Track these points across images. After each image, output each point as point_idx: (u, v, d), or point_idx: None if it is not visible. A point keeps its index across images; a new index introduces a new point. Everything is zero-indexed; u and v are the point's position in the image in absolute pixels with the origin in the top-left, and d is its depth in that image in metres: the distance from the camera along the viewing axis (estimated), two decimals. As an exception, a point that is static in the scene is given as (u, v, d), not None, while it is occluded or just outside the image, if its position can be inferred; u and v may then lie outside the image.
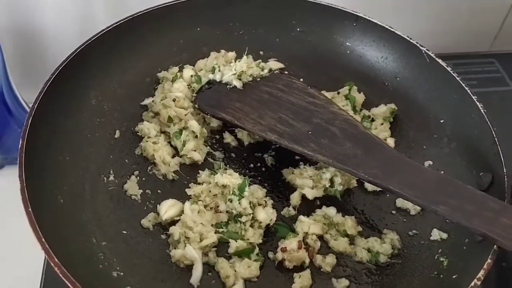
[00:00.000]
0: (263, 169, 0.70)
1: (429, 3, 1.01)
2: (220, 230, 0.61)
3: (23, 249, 0.62)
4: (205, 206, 0.62)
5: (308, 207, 0.66)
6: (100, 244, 0.59)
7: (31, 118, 0.60)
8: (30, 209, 0.52)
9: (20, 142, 0.57)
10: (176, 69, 0.78)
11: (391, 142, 0.73)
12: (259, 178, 0.69)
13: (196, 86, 0.75)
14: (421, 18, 1.03)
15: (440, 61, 0.73)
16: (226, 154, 0.72)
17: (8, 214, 0.65)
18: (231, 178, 0.63)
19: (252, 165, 0.71)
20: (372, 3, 0.95)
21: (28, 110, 0.84)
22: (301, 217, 0.63)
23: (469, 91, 0.69)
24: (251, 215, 0.61)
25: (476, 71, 1.05)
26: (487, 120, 0.65)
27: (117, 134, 0.71)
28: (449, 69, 0.72)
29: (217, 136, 0.74)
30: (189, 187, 0.65)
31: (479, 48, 1.10)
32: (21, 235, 0.53)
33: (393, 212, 0.67)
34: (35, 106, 0.61)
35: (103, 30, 0.73)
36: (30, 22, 0.91)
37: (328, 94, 0.77)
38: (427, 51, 0.75)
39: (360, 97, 0.77)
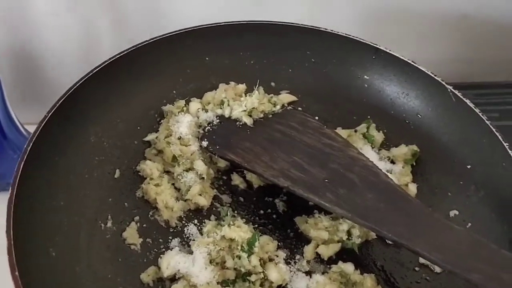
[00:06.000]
0: (274, 216, 0.65)
1: (446, 32, 0.97)
2: (227, 288, 0.56)
3: None
4: (210, 261, 0.57)
5: (323, 261, 0.61)
6: (94, 304, 0.54)
7: (22, 163, 0.55)
8: (16, 273, 0.46)
9: (10, 193, 0.52)
10: (182, 102, 0.73)
11: (413, 188, 0.67)
12: (270, 226, 0.64)
13: (204, 122, 0.70)
14: (439, 46, 0.98)
15: (468, 101, 0.68)
16: (234, 198, 0.66)
17: (2, 239, 0.60)
18: (239, 232, 0.57)
19: (262, 212, 0.65)
20: (391, 32, 0.91)
21: (25, 133, 0.80)
22: (316, 276, 0.58)
23: (499, 136, 0.64)
24: (262, 273, 0.56)
25: (497, 103, 0.99)
26: (520, 171, 0.60)
27: (117, 174, 0.66)
28: (477, 110, 0.67)
29: (225, 177, 0.68)
30: (193, 240, 0.60)
31: (496, 78, 1.05)
32: None
33: (416, 269, 0.61)
34: (28, 149, 0.56)
35: (106, 61, 0.68)
36: (30, 43, 0.87)
37: (344, 132, 0.72)
38: (453, 90, 0.69)
39: (379, 136, 0.72)
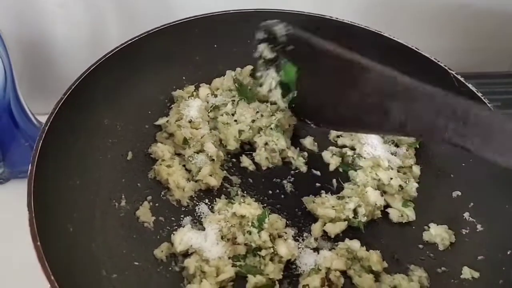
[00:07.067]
0: (282, 196, 0.67)
1: (447, 22, 0.98)
2: (238, 263, 0.58)
3: (27, 264, 0.56)
4: (221, 237, 0.59)
5: (330, 238, 0.63)
6: (110, 277, 0.56)
7: (41, 142, 0.57)
8: (38, 243, 0.48)
9: (29, 169, 0.54)
10: (192, 87, 0.75)
11: (416, 170, 0.69)
12: (278, 206, 0.66)
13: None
14: (440, 36, 0.99)
15: (470, 85, 0.69)
16: (243, 180, 0.68)
17: (13, 228, 0.60)
18: (250, 208, 0.59)
19: (270, 192, 0.67)
20: (392, 22, 0.92)
21: (36, 122, 0.82)
22: (324, 252, 0.60)
23: (501, 119, 0.65)
24: (271, 248, 0.58)
25: (499, 92, 1.01)
26: (522, 152, 0.61)
27: (130, 156, 0.68)
28: (479, 94, 0.68)
29: (234, 160, 0.70)
30: (205, 217, 0.62)
31: (499, 68, 1.06)
32: (26, 249, 0.50)
33: (420, 246, 0.63)
34: (45, 129, 0.58)
35: (116, 47, 0.70)
36: (40, 33, 0.88)
37: (349, 117, 0.74)
38: (455, 75, 0.71)
39: (383, 121, 0.74)
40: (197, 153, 0.68)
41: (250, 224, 0.58)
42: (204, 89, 0.75)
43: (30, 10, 0.85)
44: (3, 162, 0.81)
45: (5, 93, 0.75)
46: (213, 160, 0.67)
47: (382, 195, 0.65)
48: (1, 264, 0.72)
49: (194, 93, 0.74)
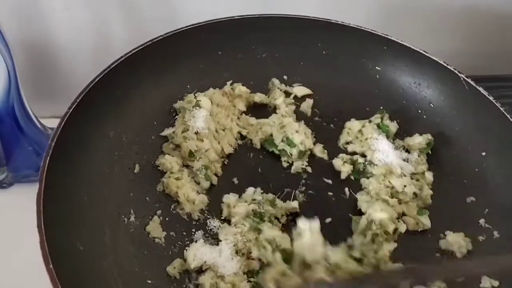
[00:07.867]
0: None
1: (456, 25, 0.97)
2: (252, 279, 0.56)
3: (31, 268, 0.53)
4: (236, 252, 0.57)
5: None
6: (124, 296, 0.54)
7: (48, 158, 0.55)
8: (51, 266, 0.47)
9: (38, 187, 0.52)
10: (191, 96, 0.72)
11: (429, 176, 0.68)
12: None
13: None
14: (448, 40, 0.98)
15: (481, 89, 0.69)
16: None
17: (17, 232, 0.60)
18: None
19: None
20: (401, 26, 0.91)
21: (40, 126, 0.80)
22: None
23: (514, 122, 0.65)
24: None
25: (508, 95, 0.99)
26: (538, 156, 0.61)
27: (137, 169, 0.66)
28: (491, 98, 0.68)
29: (244, 171, 0.69)
30: (218, 229, 0.61)
31: (507, 71, 1.05)
32: (30, 253, 0.49)
33: (437, 254, 0.62)
34: (52, 145, 0.56)
35: (120, 57, 0.68)
36: (44, 36, 0.87)
37: (358, 123, 0.73)
38: (465, 78, 0.70)
39: (393, 126, 0.73)
40: (206, 166, 0.66)
41: (265, 239, 0.57)
42: (205, 99, 0.73)
43: (35, 13, 0.83)
44: (7, 167, 0.79)
45: (9, 96, 0.72)
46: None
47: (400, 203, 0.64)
48: (5, 268, 0.70)
49: (199, 102, 0.72)
